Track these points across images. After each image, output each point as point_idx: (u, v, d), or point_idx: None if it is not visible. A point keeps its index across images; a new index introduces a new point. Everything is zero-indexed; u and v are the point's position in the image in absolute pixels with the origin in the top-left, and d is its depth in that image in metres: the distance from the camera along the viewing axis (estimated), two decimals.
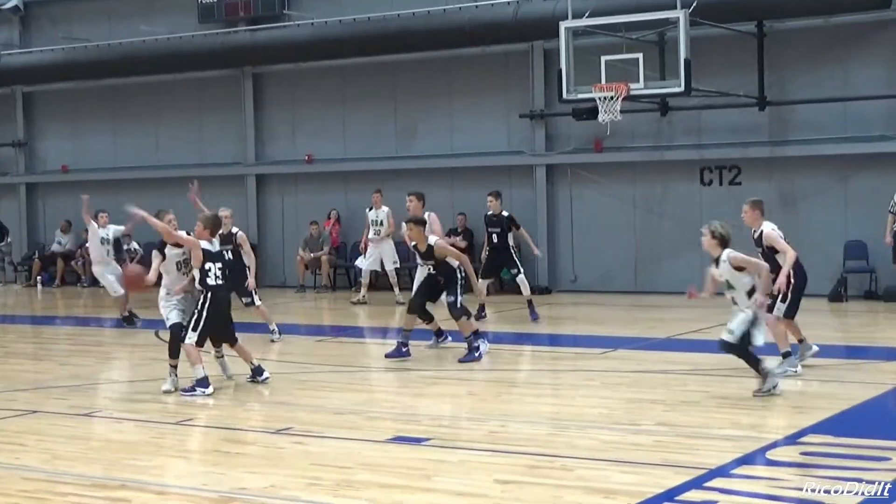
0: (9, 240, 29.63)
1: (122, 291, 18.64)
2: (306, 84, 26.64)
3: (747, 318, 11.32)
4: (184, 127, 28.21)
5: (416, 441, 10.13)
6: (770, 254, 13.00)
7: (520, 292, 19.09)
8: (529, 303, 18.83)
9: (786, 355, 12.99)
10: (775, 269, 12.80)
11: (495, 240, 19.10)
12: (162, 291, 13.47)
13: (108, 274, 19.12)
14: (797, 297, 13.06)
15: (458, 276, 14.83)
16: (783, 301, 12.94)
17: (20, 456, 10.11)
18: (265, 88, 27.34)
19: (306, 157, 26.67)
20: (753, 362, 11.47)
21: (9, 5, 29.49)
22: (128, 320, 18.82)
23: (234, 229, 16.84)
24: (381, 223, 22.32)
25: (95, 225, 19.08)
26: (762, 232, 13.11)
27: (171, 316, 13.30)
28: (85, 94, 29.38)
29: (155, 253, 13.51)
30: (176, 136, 28.29)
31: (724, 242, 11.50)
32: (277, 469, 9.28)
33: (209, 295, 12.66)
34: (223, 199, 26.46)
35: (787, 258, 12.77)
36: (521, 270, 19.02)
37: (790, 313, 13.09)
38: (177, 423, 11.33)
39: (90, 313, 22.69)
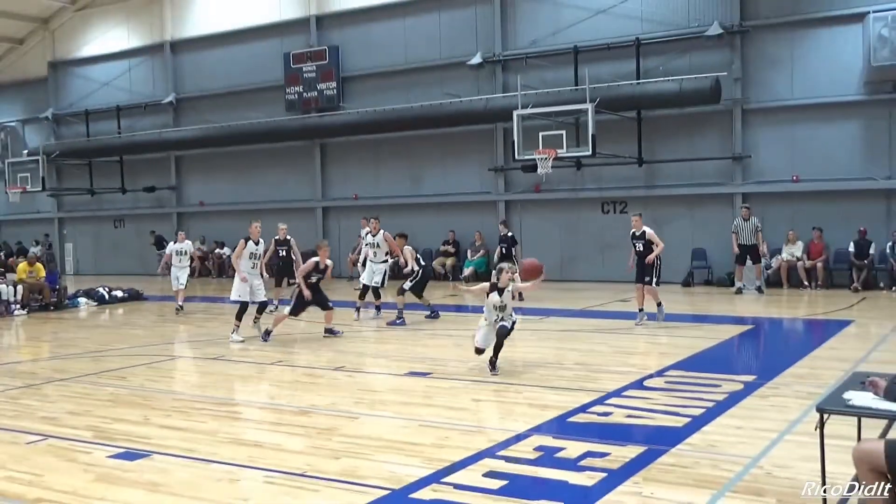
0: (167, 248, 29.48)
1: (181, 287, 17.75)
2: (354, 149, 26.56)
3: (514, 322, 10.58)
4: (276, 177, 28.09)
5: (423, 375, 10.10)
6: (648, 245, 14.05)
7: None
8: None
9: (658, 304, 14.00)
10: (647, 254, 13.99)
11: (504, 251, 18.77)
12: (238, 277, 13.77)
13: (177, 273, 18.06)
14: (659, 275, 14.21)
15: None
16: (656, 276, 14.02)
17: (171, 385, 10.08)
18: (328, 153, 27.26)
19: (354, 196, 26.60)
20: (500, 346, 10.40)
21: (166, 100, 29.43)
22: (180, 310, 17.65)
23: (288, 237, 16.43)
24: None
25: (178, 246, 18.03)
26: (644, 231, 14.12)
27: (243, 294, 13.67)
28: (215, 156, 29.27)
29: (241, 241, 13.88)
30: (271, 183, 28.16)
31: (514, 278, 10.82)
32: (335, 393, 9.26)
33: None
34: (300, 224, 26.54)
35: (659, 248, 13.96)
36: None
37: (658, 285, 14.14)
38: (272, 363, 11.29)
39: (217, 294, 22.58)
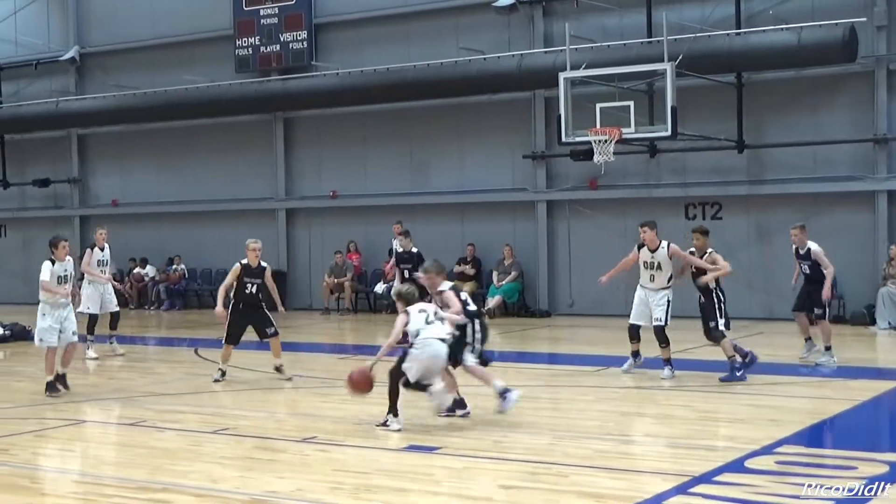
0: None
1: None
2: (331, 127, 26.70)
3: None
4: (221, 165, 28.26)
5: (428, 450, 10.10)
6: (816, 266, 14.98)
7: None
8: None
9: (828, 348, 15.02)
10: (820, 277, 14.94)
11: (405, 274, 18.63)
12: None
13: None
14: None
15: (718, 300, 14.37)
16: (828, 307, 15.06)
17: (72, 461, 10.12)
18: (294, 131, 27.40)
19: (331, 193, 26.70)
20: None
21: (66, 57, 29.63)
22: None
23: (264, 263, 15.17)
24: None
25: None
26: (809, 249, 15.05)
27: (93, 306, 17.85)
28: (133, 135, 29.47)
29: (88, 250, 17.99)
30: (214, 174, 28.35)
31: None
32: (303, 474, 9.27)
33: None
34: (256, 231, 26.53)
35: (829, 272, 14.86)
36: None
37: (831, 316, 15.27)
38: (213, 432, 11.31)
39: (136, 333, 22.66)
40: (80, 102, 28.99)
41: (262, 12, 26.70)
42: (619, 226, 23.38)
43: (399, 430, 10.76)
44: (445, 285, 11.66)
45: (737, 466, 9.10)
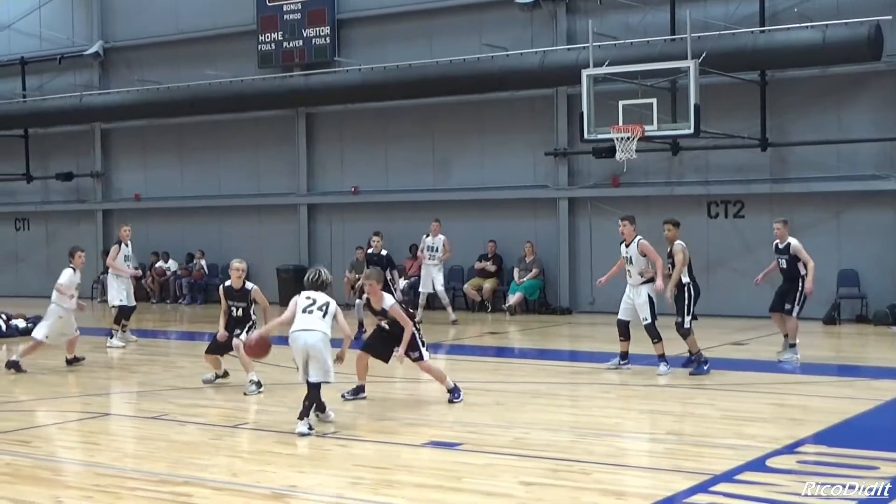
0: None
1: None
2: (353, 123, 26.74)
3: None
4: (243, 161, 28.34)
5: (449, 446, 10.11)
6: (794, 261, 14.91)
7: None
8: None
9: (792, 345, 14.93)
10: (795, 274, 14.89)
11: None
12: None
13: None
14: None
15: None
16: (799, 304, 14.88)
17: (94, 454, 10.18)
18: (316, 127, 27.46)
19: (353, 189, 26.75)
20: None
21: (90, 51, 29.78)
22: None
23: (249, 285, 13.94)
24: (437, 249, 22.18)
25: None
26: (789, 244, 14.98)
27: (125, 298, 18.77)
28: (156, 130, 29.60)
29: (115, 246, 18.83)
30: (236, 169, 28.43)
31: None
32: (323, 469, 9.30)
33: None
34: (277, 226, 26.67)
35: (809, 266, 14.73)
36: None
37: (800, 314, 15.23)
38: (234, 426, 11.36)
39: (158, 327, 22.75)
40: (104, 97, 29.12)
41: (284, 8, 26.77)
42: (642, 224, 23.09)
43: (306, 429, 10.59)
44: (388, 301, 12.07)
45: (758, 465, 9.08)
